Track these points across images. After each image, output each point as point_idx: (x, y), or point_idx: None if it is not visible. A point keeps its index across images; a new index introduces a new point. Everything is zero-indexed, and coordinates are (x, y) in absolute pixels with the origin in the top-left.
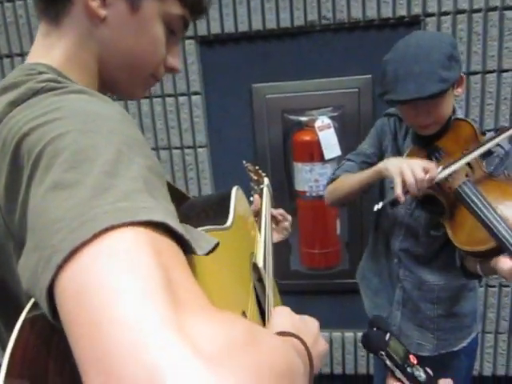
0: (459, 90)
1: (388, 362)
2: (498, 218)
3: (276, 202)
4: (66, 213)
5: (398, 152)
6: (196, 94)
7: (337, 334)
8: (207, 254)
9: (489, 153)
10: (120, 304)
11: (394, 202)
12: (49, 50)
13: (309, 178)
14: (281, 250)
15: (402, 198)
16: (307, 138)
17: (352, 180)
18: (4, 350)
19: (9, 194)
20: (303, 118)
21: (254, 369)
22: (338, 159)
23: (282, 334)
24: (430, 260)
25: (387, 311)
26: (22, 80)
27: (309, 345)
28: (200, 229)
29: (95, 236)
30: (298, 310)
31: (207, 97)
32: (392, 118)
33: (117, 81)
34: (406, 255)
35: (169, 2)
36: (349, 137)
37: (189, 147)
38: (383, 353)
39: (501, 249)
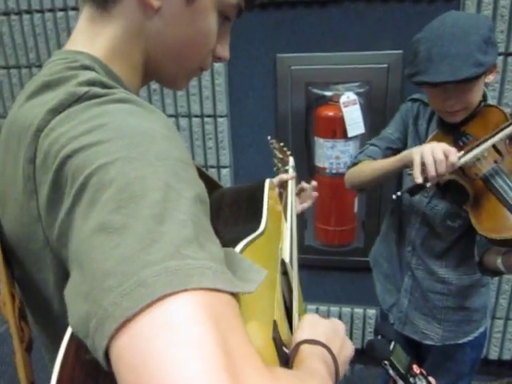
0: (490, 77)
1: (391, 372)
2: None
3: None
4: (116, 266)
5: (417, 137)
6: None
7: (346, 310)
8: None
9: None
10: (181, 379)
11: (414, 190)
12: (93, 37)
13: (330, 155)
14: (295, 225)
15: (420, 180)
16: (331, 113)
17: (375, 167)
18: (45, 346)
19: (50, 208)
20: (328, 93)
21: None
22: (361, 137)
23: (311, 342)
24: (444, 252)
25: (396, 297)
26: (63, 77)
27: (336, 351)
28: (240, 246)
29: (149, 305)
30: (310, 285)
31: (230, 64)
32: (416, 103)
33: (162, 72)
34: (420, 244)
35: None
36: (374, 115)
37: (209, 116)
38: (386, 362)
39: None
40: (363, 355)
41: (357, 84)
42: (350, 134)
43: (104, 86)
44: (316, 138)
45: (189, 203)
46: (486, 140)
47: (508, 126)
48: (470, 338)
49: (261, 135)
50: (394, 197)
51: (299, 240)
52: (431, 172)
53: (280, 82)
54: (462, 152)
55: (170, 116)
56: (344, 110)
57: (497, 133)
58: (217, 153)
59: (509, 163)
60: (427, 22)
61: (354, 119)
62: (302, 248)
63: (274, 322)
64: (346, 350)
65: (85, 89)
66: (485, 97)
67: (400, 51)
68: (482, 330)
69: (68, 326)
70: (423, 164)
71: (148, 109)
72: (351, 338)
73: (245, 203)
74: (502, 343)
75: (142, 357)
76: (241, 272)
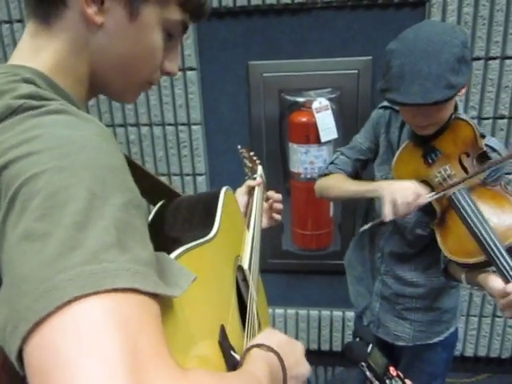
0: (462, 91)
1: (368, 373)
2: (489, 231)
3: (270, 183)
4: (33, 272)
5: (389, 145)
6: (191, 69)
7: (325, 313)
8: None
9: (486, 157)
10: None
11: (381, 224)
12: (36, 52)
13: (304, 160)
14: (273, 230)
15: (390, 218)
16: (304, 119)
17: (347, 188)
18: None
19: None
20: (300, 99)
21: None
22: (334, 142)
23: (262, 346)
24: (413, 258)
25: (368, 301)
26: (2, 91)
27: (288, 364)
28: (182, 248)
29: (59, 307)
30: (289, 289)
31: (203, 73)
32: (387, 110)
33: (109, 86)
34: (389, 252)
35: (169, 7)
36: (346, 119)
37: (183, 124)
38: (364, 364)
39: (489, 263)
40: (344, 357)
41: (328, 90)
42: (323, 139)
43: (41, 98)
44: (290, 144)
45: (114, 209)
46: (459, 182)
47: (480, 171)
48: (440, 338)
49: (235, 142)
50: (360, 230)
51: (277, 245)
52: (401, 212)
53: (253, 89)
54: (432, 193)
55: (144, 125)
56: (316, 115)
57: (471, 176)
58: (192, 160)
59: (474, 185)
60: (395, 28)
61: (327, 124)
62: (280, 253)
63: (221, 326)
64: (299, 368)
65: (20, 102)
66: (456, 108)
67: (369, 57)
68: (452, 330)
69: None
70: (394, 204)
71: (82, 118)
72: (331, 341)
73: (198, 211)
74: (476, 340)
75: (47, 360)
76: (169, 276)
